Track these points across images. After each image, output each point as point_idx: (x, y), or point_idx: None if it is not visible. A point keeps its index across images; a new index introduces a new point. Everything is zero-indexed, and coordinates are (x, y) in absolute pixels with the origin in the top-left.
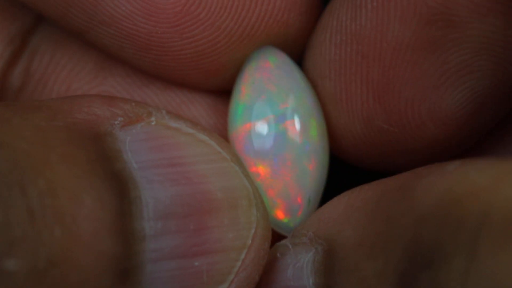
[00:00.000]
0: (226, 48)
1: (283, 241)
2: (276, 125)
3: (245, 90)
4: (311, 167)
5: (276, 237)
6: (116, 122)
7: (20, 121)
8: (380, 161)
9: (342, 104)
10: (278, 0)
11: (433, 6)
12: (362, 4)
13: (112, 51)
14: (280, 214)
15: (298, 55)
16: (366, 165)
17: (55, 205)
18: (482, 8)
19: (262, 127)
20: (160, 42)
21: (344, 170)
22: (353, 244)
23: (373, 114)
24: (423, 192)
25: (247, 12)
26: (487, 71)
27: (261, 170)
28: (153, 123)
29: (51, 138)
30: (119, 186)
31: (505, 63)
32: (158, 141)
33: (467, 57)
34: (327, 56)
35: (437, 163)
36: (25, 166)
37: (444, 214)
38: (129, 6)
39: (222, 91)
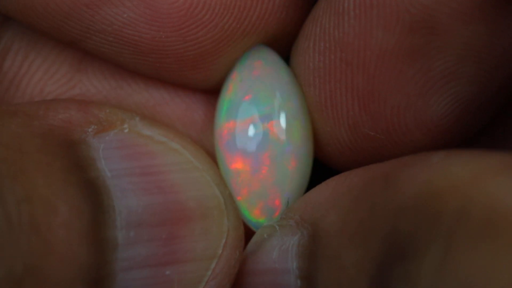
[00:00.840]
0: (227, 47)
1: (271, 222)
2: (259, 124)
3: (232, 88)
4: (291, 169)
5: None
6: (89, 130)
7: None
8: None
9: (328, 111)
10: None
11: (416, 13)
12: (344, 11)
13: (108, 57)
14: (257, 214)
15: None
16: None
17: (31, 213)
18: (465, 15)
19: (245, 126)
20: (162, 45)
21: (329, 174)
22: (336, 231)
23: (359, 121)
24: (404, 182)
25: (249, 11)
26: (471, 78)
27: (241, 168)
28: (126, 131)
29: (27, 145)
30: (93, 195)
31: (489, 69)
32: (130, 149)
33: (451, 64)
34: (311, 63)
35: (424, 152)
36: (3, 174)
37: (422, 207)
38: (131, 14)
39: (213, 90)
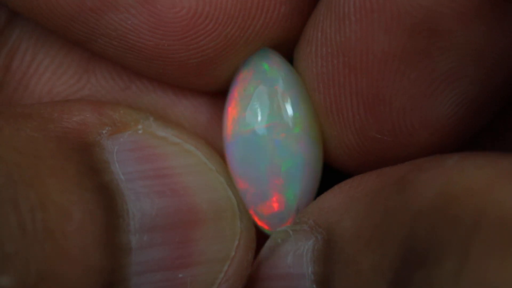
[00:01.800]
0: (231, 55)
1: (285, 227)
2: (268, 131)
3: (240, 95)
4: (301, 174)
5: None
6: (104, 132)
7: (11, 132)
8: (374, 169)
9: (333, 116)
10: (282, 7)
11: (416, 15)
12: (345, 16)
13: (114, 59)
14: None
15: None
16: (360, 174)
17: (46, 220)
18: (466, 16)
19: (254, 133)
20: (165, 52)
21: (338, 177)
22: (351, 236)
23: (365, 124)
24: (420, 187)
25: (253, 20)
26: (475, 77)
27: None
28: (140, 132)
29: (42, 150)
30: (107, 199)
31: (490, 68)
32: (145, 151)
33: (454, 65)
34: (314, 69)
35: (438, 154)
36: (17, 180)
37: (439, 212)
38: (135, 20)
39: (219, 92)
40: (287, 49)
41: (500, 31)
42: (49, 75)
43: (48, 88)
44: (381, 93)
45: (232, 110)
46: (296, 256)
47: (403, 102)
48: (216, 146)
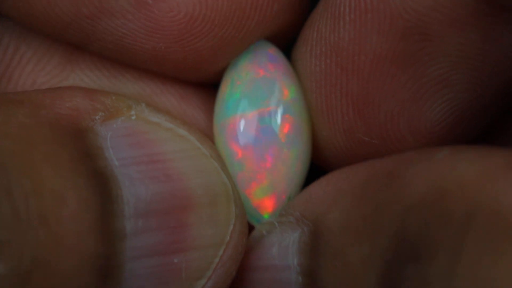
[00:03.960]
0: (226, 53)
1: (270, 219)
2: (263, 119)
3: (236, 83)
4: (293, 167)
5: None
6: (97, 117)
7: (3, 118)
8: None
9: (324, 115)
10: (275, 4)
11: (409, 19)
12: (340, 16)
13: (110, 59)
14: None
15: (289, 47)
16: None
17: (40, 206)
18: (458, 22)
19: (250, 121)
20: (161, 54)
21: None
22: (339, 228)
23: (354, 126)
24: (410, 180)
25: (247, 19)
26: (465, 85)
27: (244, 162)
28: (133, 118)
29: (35, 136)
30: (102, 184)
31: (483, 76)
32: (138, 136)
33: (445, 71)
34: (307, 68)
35: (427, 148)
36: (10, 167)
37: (431, 207)
38: (132, 25)
39: (212, 83)
40: (278, 44)
41: (494, 40)
42: (32, 67)
43: (31, 80)
44: (371, 95)
45: (228, 95)
46: (281, 247)
47: (391, 105)
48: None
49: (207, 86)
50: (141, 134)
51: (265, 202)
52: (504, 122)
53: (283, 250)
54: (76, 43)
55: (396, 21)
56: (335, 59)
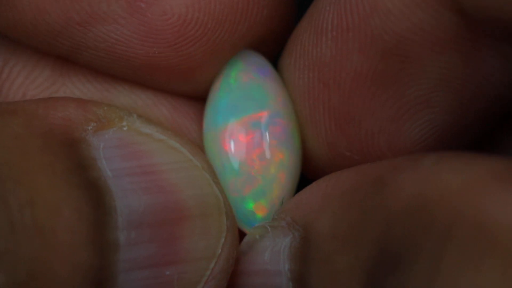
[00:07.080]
0: (217, 59)
1: (263, 223)
2: (253, 124)
3: (225, 90)
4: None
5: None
6: (89, 128)
7: None
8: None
9: (308, 128)
10: (264, 10)
11: (389, 40)
12: (323, 32)
13: (99, 70)
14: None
15: (275, 56)
16: None
17: (35, 217)
18: (437, 46)
19: (241, 127)
20: (154, 60)
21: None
22: (327, 234)
23: (336, 141)
24: (395, 188)
25: (239, 24)
26: (446, 107)
27: (236, 167)
28: (125, 128)
29: (29, 146)
30: (95, 195)
31: (464, 99)
32: (130, 147)
33: (425, 92)
34: (291, 80)
35: (416, 154)
36: (5, 177)
37: (414, 215)
38: (125, 30)
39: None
40: (266, 51)
41: (475, 64)
42: (22, 80)
43: (22, 93)
44: (352, 112)
45: (216, 104)
46: (273, 252)
47: (371, 123)
48: None
49: (199, 99)
50: (133, 145)
51: (257, 206)
52: (491, 138)
53: (275, 255)
54: (66, 53)
55: (377, 42)
56: (318, 73)
